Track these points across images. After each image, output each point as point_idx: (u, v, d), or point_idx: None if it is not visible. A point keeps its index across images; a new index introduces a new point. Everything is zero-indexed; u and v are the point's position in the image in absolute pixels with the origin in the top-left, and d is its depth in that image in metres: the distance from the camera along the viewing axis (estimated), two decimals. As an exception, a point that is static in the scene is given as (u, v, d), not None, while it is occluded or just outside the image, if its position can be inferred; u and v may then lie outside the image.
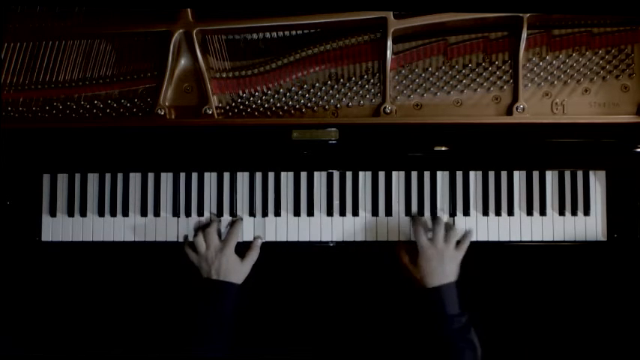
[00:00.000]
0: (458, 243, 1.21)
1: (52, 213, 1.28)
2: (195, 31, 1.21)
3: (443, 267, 1.17)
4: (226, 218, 1.27)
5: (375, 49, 1.23)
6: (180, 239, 1.27)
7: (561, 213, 1.26)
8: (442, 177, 1.28)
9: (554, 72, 1.23)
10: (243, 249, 1.24)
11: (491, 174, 1.28)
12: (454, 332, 1.12)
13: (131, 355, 1.19)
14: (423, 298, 1.16)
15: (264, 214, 1.27)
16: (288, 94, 1.25)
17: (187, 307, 1.17)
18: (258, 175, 1.28)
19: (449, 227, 1.22)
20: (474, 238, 1.25)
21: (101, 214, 1.28)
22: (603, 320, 1.35)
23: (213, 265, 1.19)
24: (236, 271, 1.20)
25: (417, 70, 1.25)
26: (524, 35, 1.20)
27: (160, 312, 1.36)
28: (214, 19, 1.22)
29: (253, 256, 1.23)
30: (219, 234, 1.25)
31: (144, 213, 1.28)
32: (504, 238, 1.27)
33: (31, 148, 1.25)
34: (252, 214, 1.28)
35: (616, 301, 1.35)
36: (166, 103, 1.25)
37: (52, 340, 1.37)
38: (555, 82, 1.23)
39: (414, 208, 1.27)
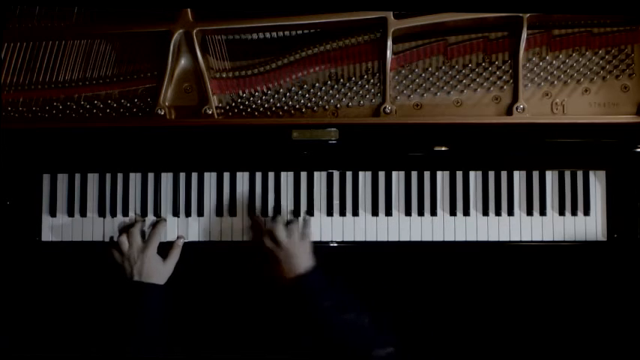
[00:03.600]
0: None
1: (52, 213, 1.28)
2: (195, 31, 1.21)
3: (294, 261, 1.17)
4: (227, 219, 1.27)
5: (375, 49, 1.23)
6: (181, 239, 1.27)
7: (561, 213, 1.26)
8: (442, 177, 1.28)
9: (554, 72, 1.23)
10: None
11: (491, 174, 1.28)
12: (328, 309, 1.13)
13: (131, 356, 1.19)
14: (292, 290, 1.17)
15: (264, 213, 1.27)
16: (288, 94, 1.25)
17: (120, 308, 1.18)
18: (258, 175, 1.28)
19: (288, 223, 1.22)
20: (474, 238, 1.25)
21: (101, 214, 1.28)
22: (603, 320, 1.35)
23: (135, 265, 1.19)
24: (158, 271, 1.20)
25: (417, 70, 1.25)
26: (524, 35, 1.20)
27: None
28: (214, 19, 1.22)
29: (175, 255, 1.24)
30: (143, 235, 1.25)
31: (144, 213, 1.28)
32: (504, 238, 1.27)
33: (31, 148, 1.25)
34: (252, 214, 1.27)
35: (616, 301, 1.35)
36: (166, 103, 1.25)
37: (52, 340, 1.37)
38: (555, 82, 1.23)
39: (414, 208, 1.27)
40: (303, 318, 1.15)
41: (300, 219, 1.26)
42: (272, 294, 1.28)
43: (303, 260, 1.18)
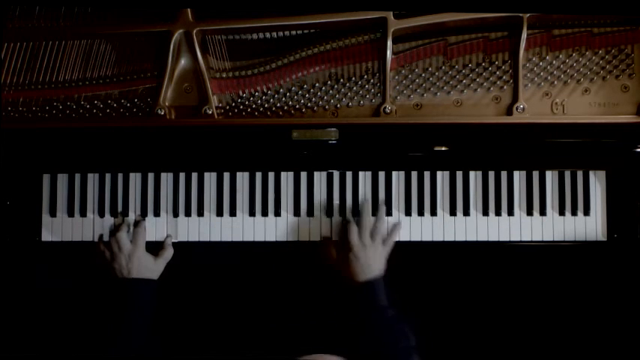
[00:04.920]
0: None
1: (52, 213, 1.28)
2: (195, 31, 1.21)
3: (369, 262, 1.18)
4: (227, 219, 1.27)
5: (375, 49, 1.23)
6: (179, 239, 1.27)
7: (561, 213, 1.26)
8: (442, 177, 1.28)
9: (554, 72, 1.23)
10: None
11: (491, 174, 1.28)
12: (384, 322, 1.14)
13: (130, 356, 1.19)
14: (352, 293, 1.18)
15: (264, 213, 1.27)
16: (288, 94, 1.25)
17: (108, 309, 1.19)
18: (258, 175, 1.28)
19: (379, 221, 1.23)
20: (474, 238, 1.25)
21: (101, 214, 1.28)
22: (603, 320, 1.35)
23: (127, 264, 1.21)
24: (150, 269, 1.22)
25: (417, 70, 1.25)
26: (524, 35, 1.20)
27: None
28: (214, 19, 1.22)
29: (167, 254, 1.25)
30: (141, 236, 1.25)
31: (144, 213, 1.28)
32: (504, 238, 1.26)
33: (31, 148, 1.25)
34: (252, 214, 1.27)
35: (616, 301, 1.35)
36: (166, 103, 1.25)
37: (51, 340, 1.37)
38: (555, 82, 1.23)
39: (414, 208, 1.27)
40: (356, 320, 1.16)
41: (389, 224, 1.25)
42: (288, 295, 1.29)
43: (378, 265, 1.19)
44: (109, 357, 1.17)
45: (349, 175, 1.28)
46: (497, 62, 1.24)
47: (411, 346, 1.12)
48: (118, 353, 1.13)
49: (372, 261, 1.19)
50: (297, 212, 1.27)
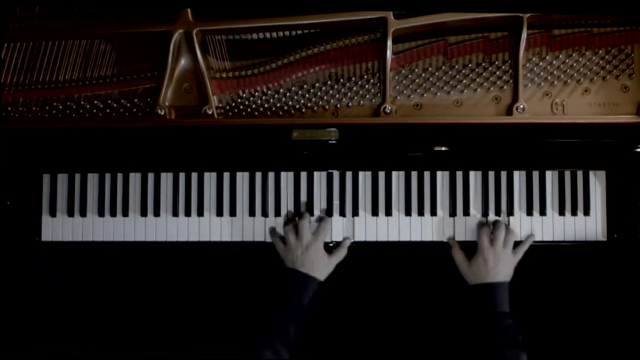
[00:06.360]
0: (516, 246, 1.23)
1: (52, 213, 1.28)
2: (195, 31, 1.21)
3: (498, 268, 1.19)
4: (227, 219, 1.27)
5: (375, 49, 1.23)
6: (179, 239, 1.27)
7: (561, 213, 1.26)
8: (442, 177, 1.28)
9: (554, 72, 1.23)
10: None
11: (491, 174, 1.28)
12: (502, 329, 1.14)
13: (131, 355, 1.19)
14: (473, 294, 1.19)
15: (265, 214, 1.27)
16: (288, 94, 1.25)
17: (264, 302, 1.17)
18: (258, 175, 1.28)
19: (509, 232, 1.23)
20: (474, 238, 1.25)
21: (101, 214, 1.28)
22: (603, 320, 1.35)
23: (301, 256, 1.19)
24: (321, 265, 1.20)
25: (417, 70, 1.25)
26: (524, 35, 1.20)
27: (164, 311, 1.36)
28: (214, 19, 1.22)
29: (341, 254, 1.24)
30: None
31: (144, 213, 1.28)
32: (504, 238, 1.26)
33: (31, 148, 1.25)
34: (252, 214, 1.27)
35: (616, 301, 1.35)
36: (166, 103, 1.25)
37: (51, 340, 1.37)
38: (555, 82, 1.23)
39: (414, 208, 1.27)
40: (474, 323, 1.17)
41: (517, 234, 1.25)
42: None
43: (506, 272, 1.19)
44: (109, 357, 1.17)
45: (349, 175, 1.28)
46: (497, 62, 1.24)
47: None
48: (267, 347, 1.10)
49: (501, 266, 1.19)
50: (297, 212, 1.27)
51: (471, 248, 1.23)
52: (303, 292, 1.17)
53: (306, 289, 1.17)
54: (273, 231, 1.26)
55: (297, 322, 1.14)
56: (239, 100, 1.26)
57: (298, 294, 1.16)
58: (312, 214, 1.27)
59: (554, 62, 1.23)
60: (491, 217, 1.27)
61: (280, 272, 1.20)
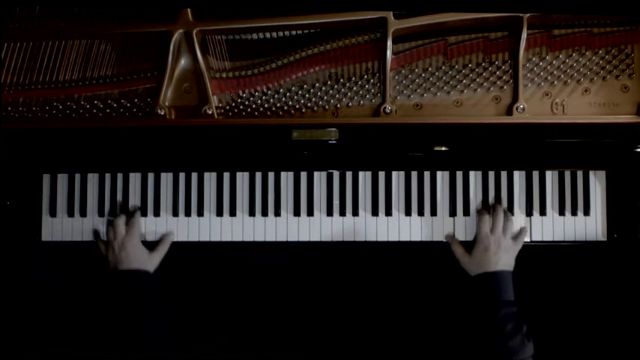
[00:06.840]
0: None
1: (52, 213, 1.28)
2: (195, 31, 1.21)
3: (499, 255, 1.18)
4: (227, 219, 1.27)
5: (375, 49, 1.23)
6: (179, 239, 1.27)
7: (561, 213, 1.26)
8: (442, 177, 1.28)
9: (554, 72, 1.23)
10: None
11: (491, 174, 1.28)
12: (508, 318, 1.14)
13: (131, 355, 1.19)
14: (476, 286, 1.18)
15: (264, 213, 1.27)
16: (288, 94, 1.25)
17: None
18: (258, 175, 1.28)
19: (507, 218, 1.22)
20: (473, 238, 1.25)
21: (101, 214, 1.28)
22: (603, 320, 1.35)
23: (120, 253, 1.19)
24: (141, 260, 1.20)
25: (417, 70, 1.25)
26: (524, 35, 1.20)
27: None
28: (214, 19, 1.22)
29: (162, 250, 1.24)
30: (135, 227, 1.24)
31: (144, 213, 1.28)
32: (504, 238, 1.26)
33: (31, 148, 1.25)
34: (252, 214, 1.28)
35: (616, 301, 1.35)
36: (166, 103, 1.25)
37: (51, 340, 1.37)
38: (555, 82, 1.23)
39: (414, 208, 1.27)
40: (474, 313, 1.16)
41: (521, 226, 1.25)
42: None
43: (507, 260, 1.19)
44: (110, 357, 1.17)
45: (349, 175, 1.28)
46: (497, 62, 1.24)
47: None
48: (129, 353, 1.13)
49: (502, 253, 1.18)
50: (297, 212, 1.27)
51: (471, 247, 1.23)
52: (133, 288, 1.17)
53: (134, 285, 1.18)
54: (96, 233, 1.27)
55: (150, 316, 1.15)
56: (239, 100, 1.26)
57: (131, 293, 1.17)
58: (312, 215, 1.27)
59: (554, 62, 1.23)
60: (475, 215, 1.27)
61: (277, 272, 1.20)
